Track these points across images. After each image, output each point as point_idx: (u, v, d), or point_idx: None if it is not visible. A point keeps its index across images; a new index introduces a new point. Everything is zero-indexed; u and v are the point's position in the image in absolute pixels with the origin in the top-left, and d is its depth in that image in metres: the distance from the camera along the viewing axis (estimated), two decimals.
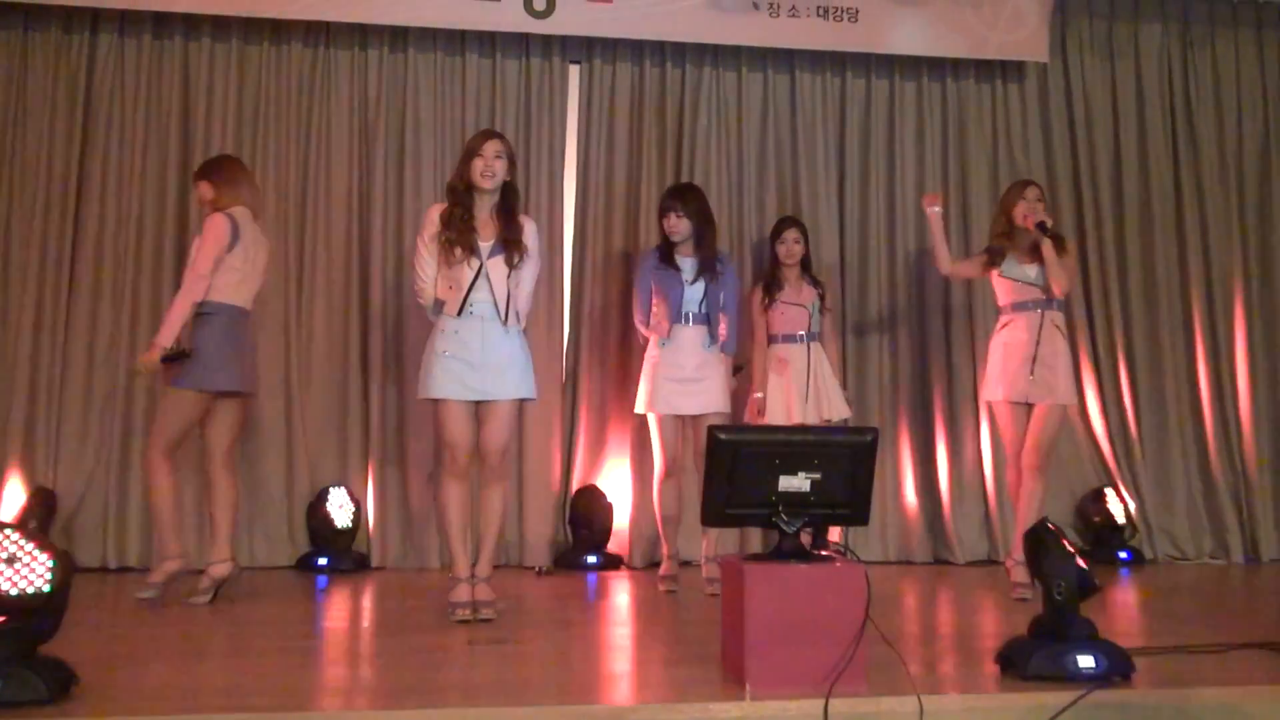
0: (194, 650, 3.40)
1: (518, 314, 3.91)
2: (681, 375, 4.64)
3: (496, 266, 3.83)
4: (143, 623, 3.86)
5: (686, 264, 4.73)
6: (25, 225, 5.24)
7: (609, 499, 5.41)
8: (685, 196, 4.79)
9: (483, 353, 3.79)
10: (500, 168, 3.83)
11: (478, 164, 3.82)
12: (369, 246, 5.46)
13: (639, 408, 4.78)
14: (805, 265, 5.09)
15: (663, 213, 4.78)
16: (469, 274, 3.80)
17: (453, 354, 3.79)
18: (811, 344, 4.99)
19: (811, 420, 4.86)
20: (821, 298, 5.06)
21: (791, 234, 5.04)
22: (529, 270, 3.95)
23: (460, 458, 3.85)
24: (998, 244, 4.69)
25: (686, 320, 4.68)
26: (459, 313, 3.81)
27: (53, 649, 2.69)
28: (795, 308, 5.00)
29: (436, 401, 3.84)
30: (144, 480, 4.45)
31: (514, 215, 3.91)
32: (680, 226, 4.70)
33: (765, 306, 5.01)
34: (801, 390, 4.92)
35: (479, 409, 3.86)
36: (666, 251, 4.76)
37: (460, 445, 3.83)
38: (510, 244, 3.85)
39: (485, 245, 3.84)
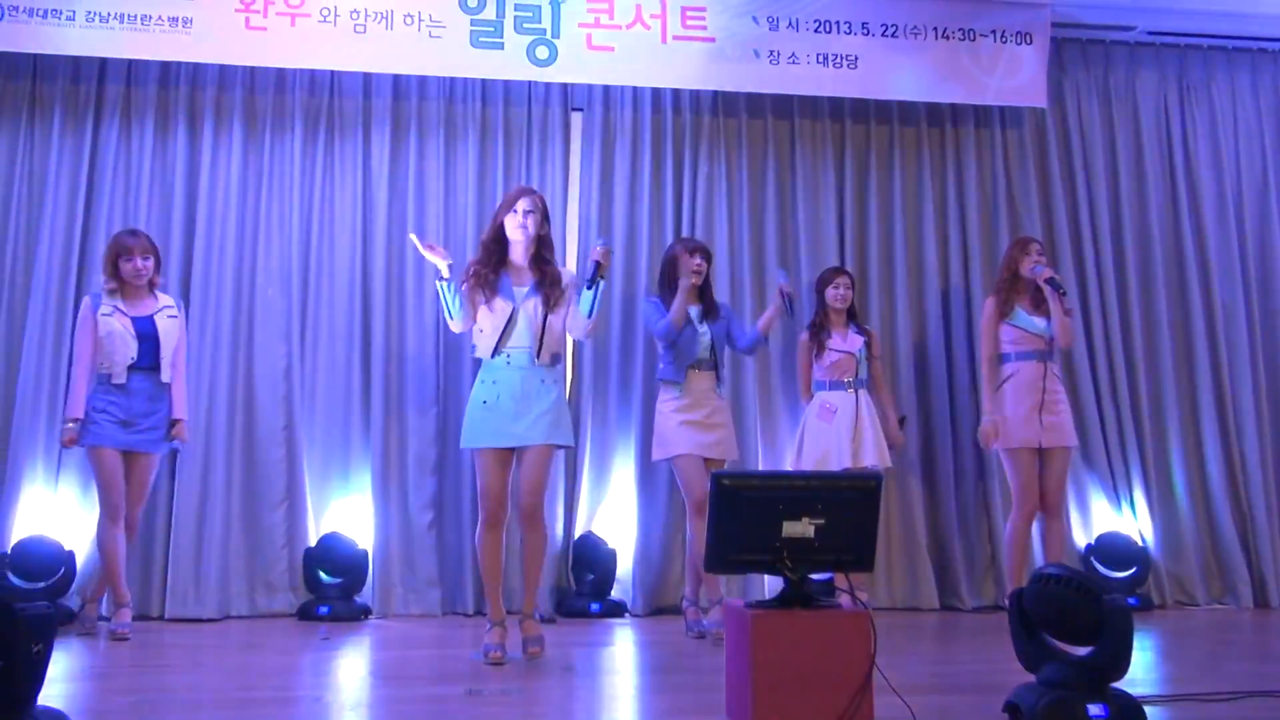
0: (195, 701, 3.37)
1: (554, 355, 4.06)
2: (699, 419, 4.70)
3: (532, 309, 4.00)
4: (143, 673, 3.83)
5: (692, 311, 4.79)
6: (30, 301, 5.22)
7: (611, 545, 5.38)
8: (705, 248, 4.96)
9: (521, 399, 3.94)
10: (533, 222, 4.04)
11: (510, 220, 4.04)
12: (371, 294, 5.47)
13: (659, 454, 4.79)
14: (852, 313, 5.26)
15: (691, 251, 4.83)
16: (502, 319, 3.98)
17: (490, 402, 3.96)
18: (860, 391, 5.12)
19: (855, 467, 4.99)
20: (868, 345, 5.20)
21: (844, 280, 5.23)
22: (571, 312, 4.12)
23: (494, 506, 3.98)
24: (1007, 297, 4.99)
25: (699, 366, 4.75)
26: (493, 355, 4.00)
27: (53, 700, 2.66)
28: (843, 355, 5.12)
29: (474, 451, 4.03)
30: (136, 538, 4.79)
31: (550, 263, 4.10)
32: (703, 269, 4.82)
33: (814, 354, 5.18)
34: (849, 437, 5.03)
35: (516, 455, 4.02)
36: (673, 299, 4.81)
37: (494, 494, 3.98)
38: (545, 286, 4.03)
39: (520, 290, 4.02)
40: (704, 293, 4.86)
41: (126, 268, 4.59)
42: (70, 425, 4.54)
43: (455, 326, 4.11)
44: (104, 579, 4.66)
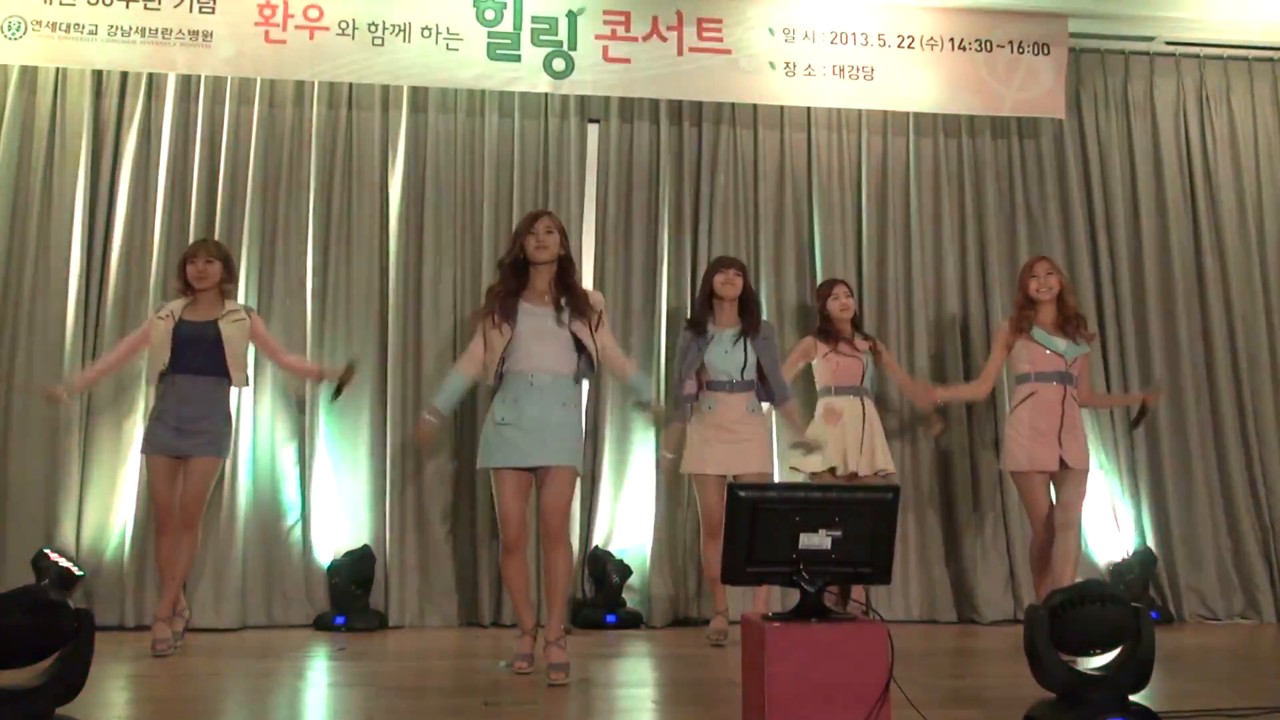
0: (212, 710, 3.38)
1: (578, 373, 4.00)
2: (725, 437, 4.72)
3: (556, 326, 3.93)
4: (161, 682, 3.84)
5: (726, 333, 4.80)
6: (48, 313, 5.27)
7: (628, 556, 5.37)
8: (738, 261, 4.96)
9: (541, 419, 3.85)
10: (553, 243, 3.98)
11: (530, 240, 3.97)
12: (387, 303, 5.50)
13: (683, 468, 4.85)
14: (857, 322, 5.25)
15: (718, 269, 4.86)
16: (523, 339, 3.91)
17: (508, 420, 3.87)
18: (865, 397, 5.12)
19: (864, 472, 4.98)
20: (875, 351, 5.21)
21: (843, 289, 5.20)
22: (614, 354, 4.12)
23: (514, 532, 3.87)
24: (1021, 315, 4.86)
25: (729, 388, 4.75)
26: (510, 376, 3.92)
27: (71, 709, 2.66)
28: (850, 360, 5.12)
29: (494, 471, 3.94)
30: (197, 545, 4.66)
31: (572, 285, 4.03)
32: (737, 282, 4.81)
33: (821, 359, 5.16)
34: (856, 442, 5.02)
35: (537, 476, 3.92)
36: (699, 322, 4.86)
37: (514, 518, 3.87)
38: (569, 303, 3.96)
39: (542, 310, 3.95)
40: (743, 309, 4.83)
41: (190, 271, 4.65)
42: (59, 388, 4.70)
43: (484, 376, 4.04)
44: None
